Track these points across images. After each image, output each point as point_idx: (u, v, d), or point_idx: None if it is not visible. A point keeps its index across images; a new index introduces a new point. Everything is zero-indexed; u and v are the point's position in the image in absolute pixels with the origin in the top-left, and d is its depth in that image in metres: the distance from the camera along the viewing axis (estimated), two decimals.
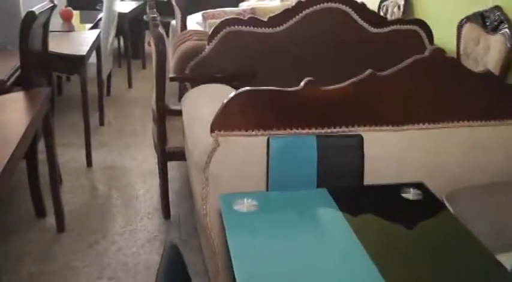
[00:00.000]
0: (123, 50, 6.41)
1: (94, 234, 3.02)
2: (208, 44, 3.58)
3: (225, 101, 2.06)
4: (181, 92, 3.77)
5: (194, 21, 5.56)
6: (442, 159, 2.37)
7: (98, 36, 4.29)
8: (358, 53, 3.84)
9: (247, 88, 2.08)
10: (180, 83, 3.65)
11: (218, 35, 3.56)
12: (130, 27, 5.93)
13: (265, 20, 3.62)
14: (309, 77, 3.87)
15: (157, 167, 3.64)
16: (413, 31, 3.95)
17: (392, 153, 2.30)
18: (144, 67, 6.49)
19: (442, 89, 2.29)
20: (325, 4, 3.66)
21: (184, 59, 3.59)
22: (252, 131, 2.09)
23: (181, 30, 4.48)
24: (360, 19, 3.77)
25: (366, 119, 2.23)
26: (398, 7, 5.11)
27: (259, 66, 3.66)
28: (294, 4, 3.66)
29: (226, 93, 2.68)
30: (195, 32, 4.23)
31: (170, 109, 2.94)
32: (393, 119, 2.27)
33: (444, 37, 4.11)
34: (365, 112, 2.23)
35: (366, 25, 3.80)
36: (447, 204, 2.05)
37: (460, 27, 3.95)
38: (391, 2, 5.29)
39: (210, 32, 3.59)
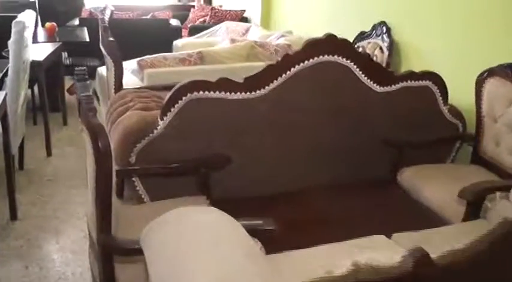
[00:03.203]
0: (38, 102, 5.19)
1: None
2: (161, 118, 2.52)
3: None
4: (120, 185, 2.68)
5: (127, 69, 4.45)
6: None
7: (4, 101, 3.13)
8: (362, 120, 2.92)
9: None
10: (124, 177, 2.54)
11: (176, 105, 2.51)
12: (46, 75, 4.74)
13: (241, 81, 2.59)
14: (299, 154, 2.93)
15: None
16: (425, 87, 3.03)
17: None
18: (65, 123, 5.29)
19: None
20: (320, 58, 2.70)
21: (127, 140, 2.51)
22: None
23: (117, 90, 3.36)
24: (363, 76, 2.83)
25: None
26: (381, 49, 4.21)
27: (233, 145, 2.65)
28: (279, 59, 2.65)
29: (220, 229, 1.64)
30: (138, 94, 3.15)
31: (121, 248, 1.83)
32: None
33: (457, 93, 3.20)
34: None
35: (371, 83, 2.87)
36: None
37: (480, 82, 3.07)
38: (369, 42, 4.38)
39: (164, 101, 2.52)
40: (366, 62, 2.83)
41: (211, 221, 1.68)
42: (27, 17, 3.56)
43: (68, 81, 5.82)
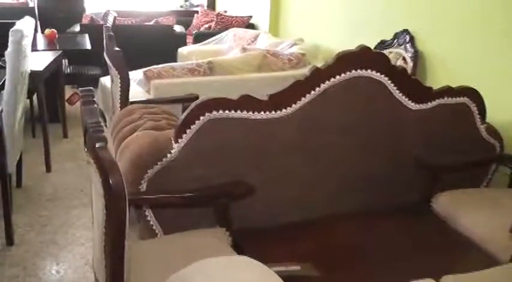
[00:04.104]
0: (37, 112, 4.90)
1: None
2: (176, 140, 2.24)
3: None
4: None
5: (133, 79, 4.17)
6: None
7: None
8: (393, 140, 2.66)
9: None
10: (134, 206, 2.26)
11: (193, 126, 2.23)
12: (45, 84, 4.46)
13: (265, 99, 2.32)
14: (326, 178, 2.66)
15: None
16: (462, 105, 2.76)
17: None
18: (65, 135, 5.00)
19: None
20: (353, 72, 2.42)
21: (137, 166, 2.23)
22: None
23: (123, 105, 3.07)
24: (398, 92, 2.57)
25: None
26: (404, 60, 3.94)
27: (256, 170, 2.37)
28: (308, 74, 2.37)
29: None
30: (147, 110, 2.87)
31: None
32: None
33: (491, 109, 2.92)
34: None
35: (405, 100, 2.60)
36: None
37: None
38: (390, 52, 4.11)
39: (179, 121, 2.24)
40: (401, 76, 2.56)
41: (238, 276, 1.40)
42: (26, 25, 3.28)
43: (68, 91, 5.54)
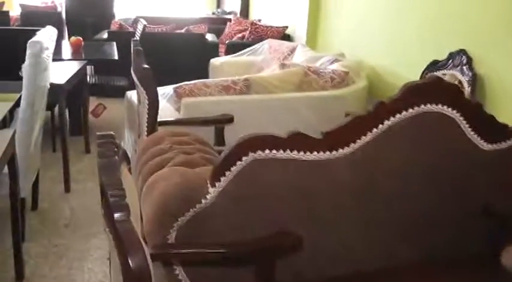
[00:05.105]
0: (58, 123, 4.59)
1: None
2: (213, 184, 1.89)
3: None
4: None
5: (163, 95, 3.85)
6: None
7: (12, 141, 2.54)
8: (461, 184, 2.29)
9: None
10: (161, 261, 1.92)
11: (233, 167, 1.88)
12: (68, 95, 4.15)
13: (319, 137, 1.96)
14: (386, 226, 2.26)
15: None
16: None
17: None
18: (87, 150, 4.69)
19: None
20: (422, 107, 2.06)
21: (165, 213, 1.88)
22: None
23: (150, 132, 2.73)
24: (470, 130, 2.19)
25: None
26: (460, 84, 3.55)
27: (305, 218, 2.02)
28: (372, 109, 2.01)
29: None
30: (177, 138, 2.53)
31: None
32: None
33: None
34: None
35: (477, 139, 2.24)
36: None
37: None
38: (444, 74, 3.73)
39: (218, 161, 1.89)
40: (475, 112, 2.18)
41: None
42: (47, 36, 2.97)
43: (93, 102, 5.25)
